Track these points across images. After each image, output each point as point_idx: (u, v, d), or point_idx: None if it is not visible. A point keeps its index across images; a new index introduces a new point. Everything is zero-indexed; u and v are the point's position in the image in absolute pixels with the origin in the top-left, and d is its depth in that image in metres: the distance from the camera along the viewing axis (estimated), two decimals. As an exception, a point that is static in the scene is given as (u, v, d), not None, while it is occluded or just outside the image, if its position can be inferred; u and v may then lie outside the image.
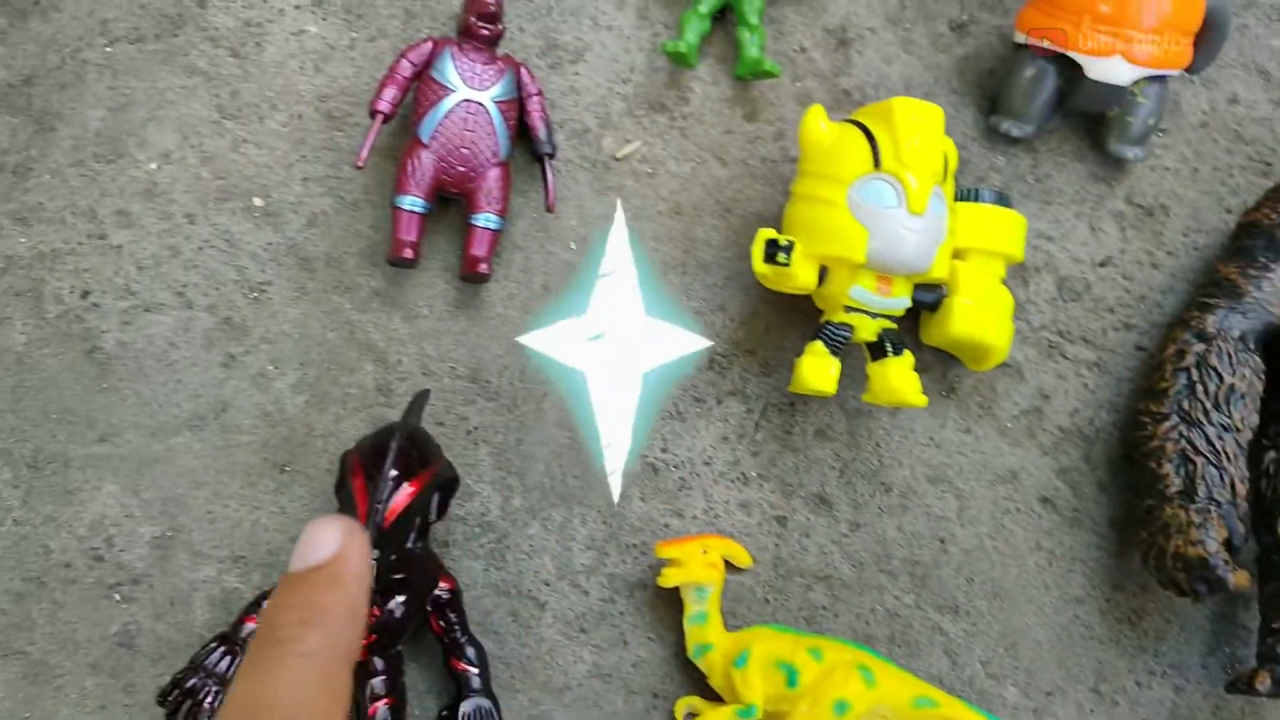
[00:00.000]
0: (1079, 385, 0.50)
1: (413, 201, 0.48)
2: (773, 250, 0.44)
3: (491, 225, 0.49)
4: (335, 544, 0.27)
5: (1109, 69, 0.48)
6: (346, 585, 0.27)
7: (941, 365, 0.50)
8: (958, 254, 0.48)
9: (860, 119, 0.46)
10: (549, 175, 0.49)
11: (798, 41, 0.53)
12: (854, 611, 0.49)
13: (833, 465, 0.49)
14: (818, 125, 0.46)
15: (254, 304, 0.49)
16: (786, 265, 0.44)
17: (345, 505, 0.42)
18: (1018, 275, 0.51)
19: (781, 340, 0.50)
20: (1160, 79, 0.49)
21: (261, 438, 0.48)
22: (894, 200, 0.44)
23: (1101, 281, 0.51)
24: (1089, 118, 0.51)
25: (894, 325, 0.47)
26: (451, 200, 0.50)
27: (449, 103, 0.48)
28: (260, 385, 0.49)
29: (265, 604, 0.28)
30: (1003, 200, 0.49)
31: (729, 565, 0.48)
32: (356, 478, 0.42)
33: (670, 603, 0.47)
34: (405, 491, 0.42)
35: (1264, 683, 0.42)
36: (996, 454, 0.50)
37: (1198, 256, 0.51)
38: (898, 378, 0.46)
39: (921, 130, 0.45)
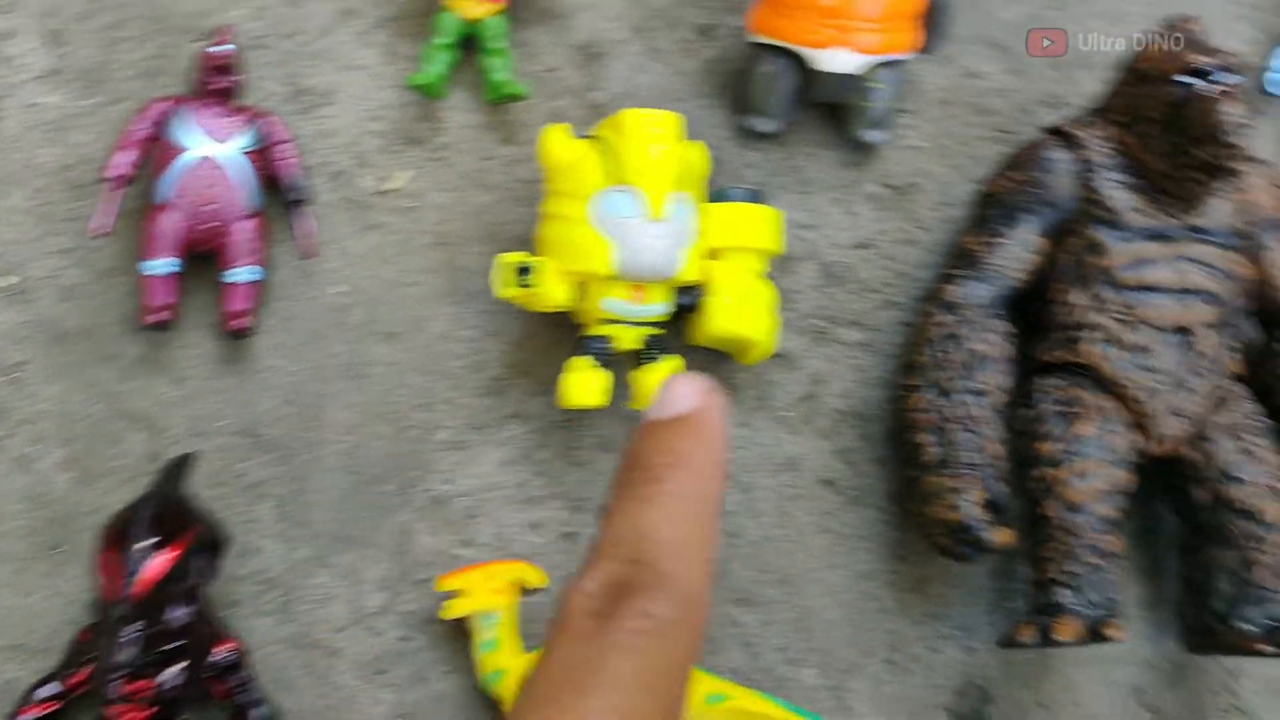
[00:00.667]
0: (850, 367, 0.52)
1: (161, 264, 0.47)
2: (517, 272, 0.45)
3: (248, 278, 0.48)
4: (696, 400, 0.27)
5: (836, 60, 0.49)
6: (709, 438, 0.27)
7: (715, 364, 0.51)
8: (714, 254, 0.49)
9: (599, 133, 0.47)
10: (303, 221, 0.49)
11: (547, 61, 0.54)
12: (652, 616, 0.49)
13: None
14: (557, 144, 0.46)
15: (10, 386, 0.48)
16: (530, 287, 0.45)
17: (99, 580, 0.42)
18: (782, 266, 0.52)
19: (558, 358, 0.50)
20: (893, 63, 0.51)
21: (28, 522, 0.47)
22: (634, 210, 0.45)
23: (863, 263, 0.53)
24: (833, 107, 0.53)
25: (660, 331, 0.48)
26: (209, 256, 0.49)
27: (187, 160, 0.47)
28: (23, 468, 0.48)
29: (625, 451, 0.27)
30: (755, 197, 0.50)
31: (524, 588, 0.48)
32: (106, 551, 0.41)
33: (469, 633, 0.47)
34: (162, 559, 0.41)
35: (1028, 634, 0.44)
36: (776, 444, 0.51)
37: (950, 229, 0.53)
38: (657, 383, 0.46)
39: (655, 139, 0.46)
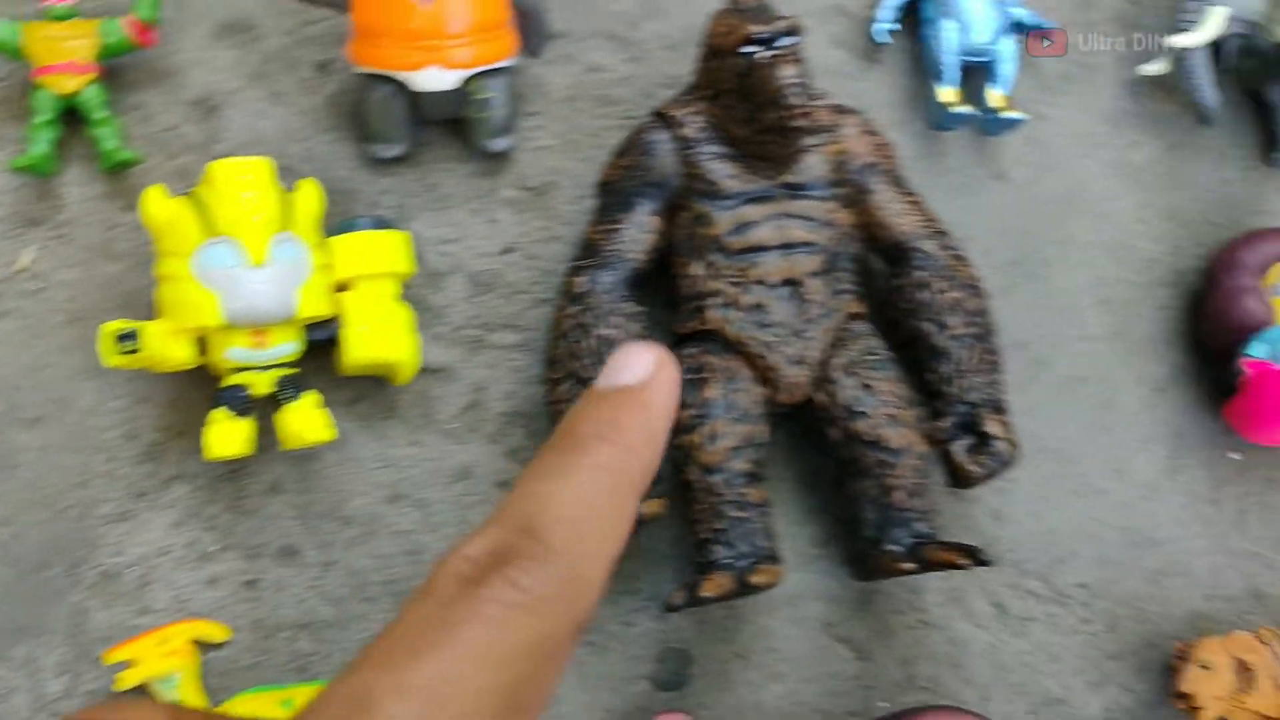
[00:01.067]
0: (509, 369, 0.53)
1: None
2: (118, 340, 0.45)
3: None
4: (646, 370, 0.26)
5: (431, 79, 0.51)
6: (650, 411, 0.26)
7: (376, 389, 0.52)
8: (344, 286, 0.49)
9: (195, 190, 0.47)
10: (-82, 322, 0.48)
11: (164, 120, 0.54)
12: (343, 648, 0.50)
13: (291, 516, 0.50)
14: (153, 206, 0.46)
15: None
16: (136, 352, 0.45)
17: None
18: (431, 284, 0.53)
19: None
20: (498, 71, 0.52)
21: None
22: (235, 258, 0.45)
23: (510, 267, 0.54)
24: (455, 121, 0.54)
25: (293, 370, 0.48)
26: None
27: None
28: None
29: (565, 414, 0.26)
30: (381, 224, 0.51)
31: (207, 644, 0.48)
32: None
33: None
34: None
35: (678, 598, 0.46)
36: (446, 456, 0.52)
37: (589, 220, 0.55)
38: (296, 422, 0.47)
39: (245, 186, 0.46)
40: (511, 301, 0.54)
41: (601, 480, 0.25)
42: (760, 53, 0.47)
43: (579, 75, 0.57)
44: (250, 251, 0.45)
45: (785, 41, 0.48)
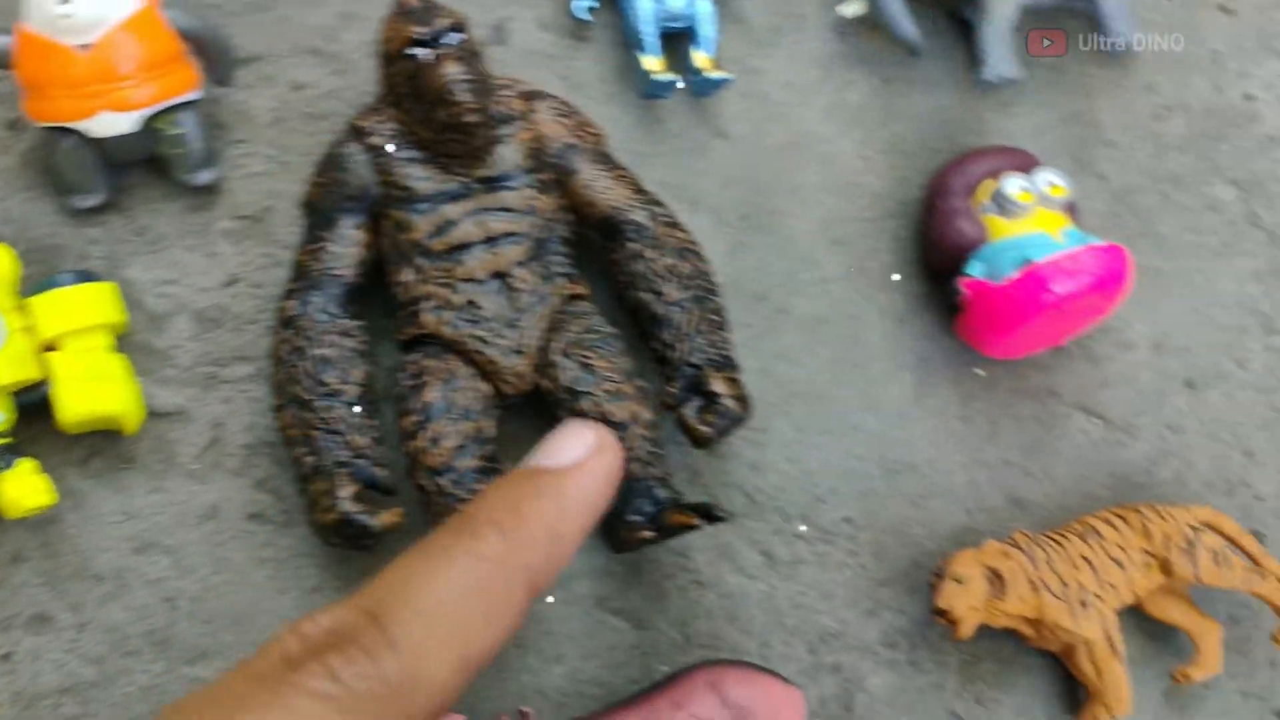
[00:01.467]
0: (247, 401, 0.53)
1: None
2: None
3: None
4: (577, 454, 0.24)
5: (106, 124, 0.50)
6: (563, 501, 0.24)
7: (109, 443, 0.51)
8: (51, 346, 0.49)
9: None
10: None
11: None
12: (111, 704, 0.49)
13: (38, 582, 0.50)
14: None
15: None
16: None
17: None
18: (153, 328, 0.53)
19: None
20: (185, 104, 0.52)
21: None
22: (-88, 337, 0.44)
23: (234, 299, 0.54)
24: (154, 161, 0.53)
25: (7, 439, 0.47)
26: None
27: None
28: None
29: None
30: (85, 277, 0.50)
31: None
32: None
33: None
34: None
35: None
36: (191, 497, 0.52)
37: (298, 243, 0.55)
38: (13, 490, 0.47)
39: (-88, 262, 0.45)
40: (241, 333, 0.54)
41: (480, 572, 0.23)
42: (424, 53, 0.47)
43: (283, 95, 0.57)
44: (-72, 328, 0.44)
45: (448, 39, 0.48)
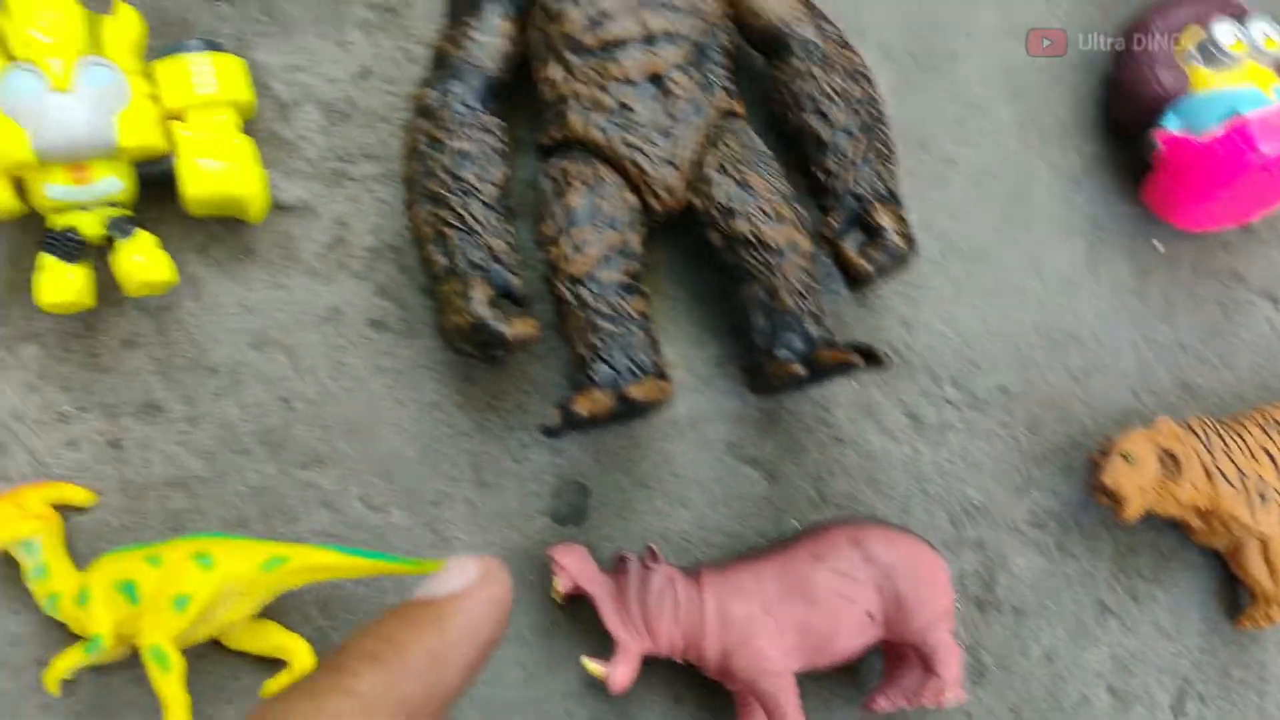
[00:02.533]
0: (374, 202, 0.50)
1: None
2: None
3: None
4: (461, 584, 0.24)
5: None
6: (444, 631, 0.23)
7: (230, 231, 0.49)
8: (174, 116, 0.46)
9: (-7, 14, 0.43)
10: None
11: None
12: (220, 502, 0.47)
13: (151, 370, 0.48)
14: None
15: None
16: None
17: None
18: (279, 116, 0.50)
19: (57, 267, 0.47)
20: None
21: None
22: (38, 85, 0.42)
23: (365, 94, 0.50)
24: (293, -62, 0.50)
25: (125, 211, 0.45)
26: None
27: None
28: None
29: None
30: (212, 47, 0.47)
31: (71, 508, 0.46)
32: None
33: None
34: None
35: (554, 419, 0.43)
36: (313, 297, 0.49)
37: (438, 30, 0.51)
38: (129, 262, 0.44)
39: (41, 5, 0.42)
40: (371, 130, 0.50)
41: (353, 709, 0.22)
42: None
43: (430, -118, 0.52)
44: (53, 77, 0.41)
45: None
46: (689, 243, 0.49)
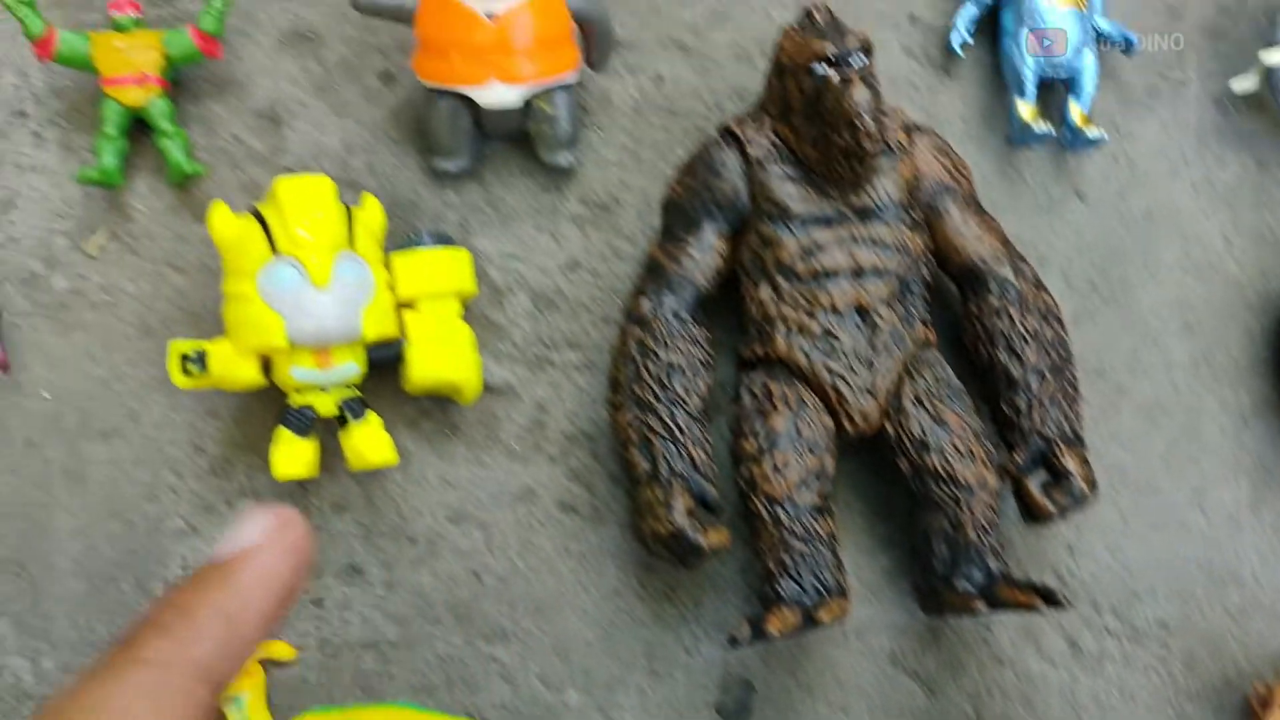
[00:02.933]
0: (573, 389, 0.52)
1: None
2: (185, 362, 0.45)
3: (-59, 403, 0.48)
4: (252, 538, 0.24)
5: (496, 95, 0.50)
6: (236, 589, 0.23)
7: (439, 408, 0.52)
8: (407, 304, 0.49)
9: (259, 207, 0.47)
10: (-7, 337, 0.49)
11: (229, 131, 0.53)
12: (409, 668, 0.50)
13: (356, 534, 0.50)
14: (220, 222, 0.46)
15: None
16: (203, 373, 0.45)
17: None
18: (493, 301, 0.53)
19: (278, 428, 0.51)
20: (561, 86, 0.51)
21: None
22: (298, 279, 0.45)
23: (573, 285, 0.54)
24: (520, 135, 0.53)
25: (355, 392, 0.48)
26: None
27: None
28: None
29: None
30: (443, 240, 0.50)
31: (270, 663, 0.48)
32: None
33: None
34: None
35: (743, 633, 0.45)
36: (510, 476, 0.52)
37: (654, 238, 0.54)
38: (362, 442, 0.47)
39: (309, 204, 0.46)
40: (575, 319, 0.53)
41: (148, 677, 0.22)
42: (831, 73, 0.46)
43: (644, 86, 0.56)
44: (313, 272, 0.45)
45: (857, 61, 0.46)
46: (871, 458, 0.51)
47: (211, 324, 0.51)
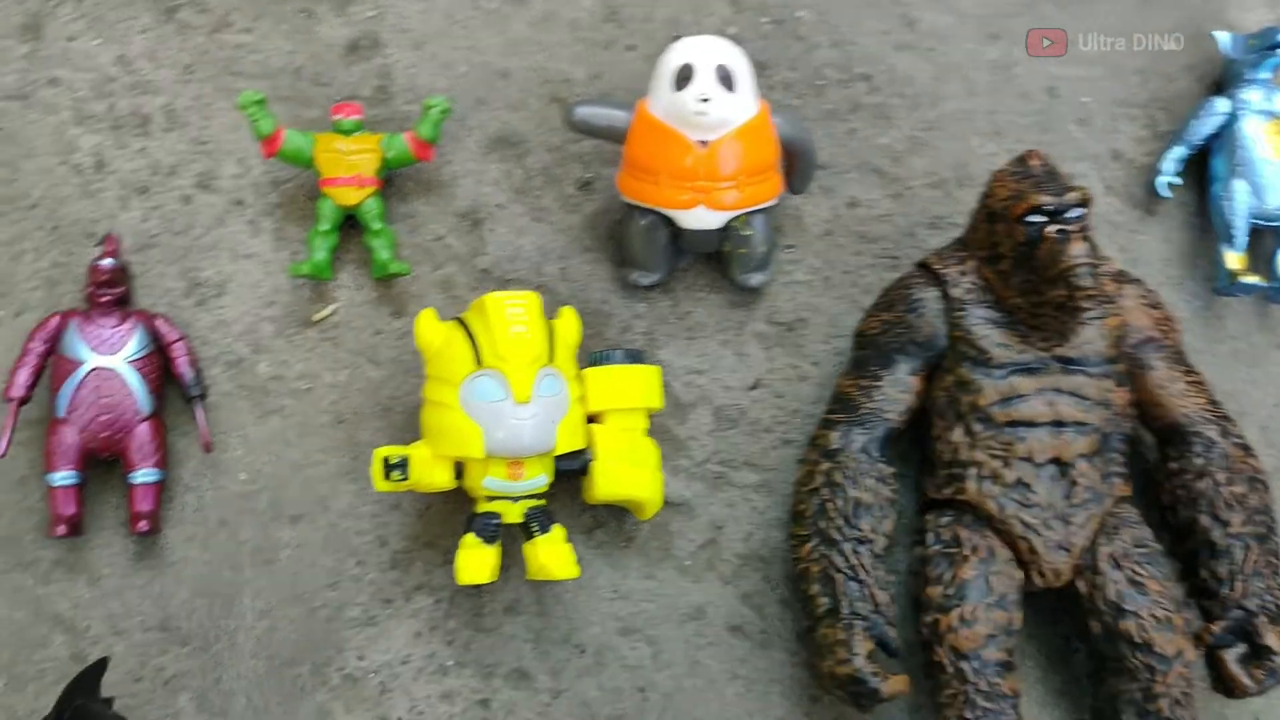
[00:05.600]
0: (749, 510, 0.52)
1: (63, 477, 0.49)
2: (388, 469, 0.46)
3: (149, 479, 0.50)
4: None
5: (698, 219, 0.50)
6: None
7: (616, 518, 0.52)
8: (596, 418, 0.50)
9: (465, 317, 0.48)
10: (201, 419, 0.51)
11: (433, 231, 0.55)
12: (567, 778, 0.50)
13: (526, 638, 0.51)
14: (426, 329, 0.48)
15: (-65, 601, 0.50)
16: (404, 480, 0.46)
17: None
18: (676, 414, 0.53)
19: (458, 528, 0.52)
20: (760, 210, 0.52)
21: (-40, 734, 0.49)
22: (500, 393, 0.46)
23: (755, 404, 0.54)
24: (713, 254, 0.54)
25: (541, 502, 0.49)
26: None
27: (79, 374, 0.49)
28: (-48, 681, 0.50)
29: None
30: (633, 357, 0.51)
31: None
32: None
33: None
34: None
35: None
36: (681, 593, 0.52)
37: (840, 362, 0.54)
38: (547, 556, 0.48)
39: (515, 321, 0.47)
40: (754, 439, 0.53)
41: None
42: (1048, 225, 0.45)
43: (838, 209, 0.56)
44: (515, 387, 0.46)
45: (1075, 214, 0.45)
46: (1054, 611, 0.49)
47: (401, 418, 0.53)
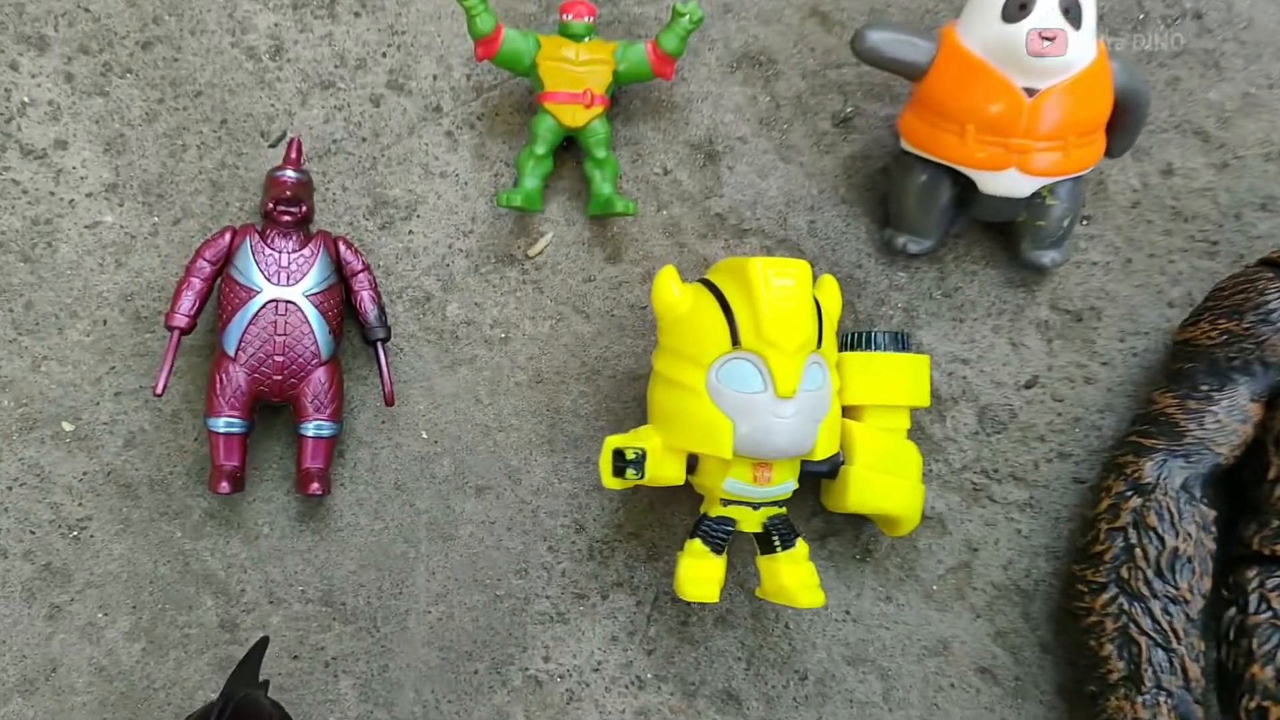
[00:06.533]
0: (1011, 531, 0.44)
1: (227, 423, 0.42)
2: (621, 464, 0.38)
3: (324, 433, 0.43)
4: None
5: (1005, 183, 0.41)
6: None
7: (853, 527, 0.44)
8: (852, 412, 0.41)
9: (716, 279, 0.39)
10: (384, 365, 0.43)
11: (659, 162, 0.46)
12: (775, 821, 0.43)
13: (738, 656, 0.44)
14: (670, 290, 0.39)
15: (74, 544, 0.44)
16: (640, 477, 0.38)
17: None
18: (934, 410, 0.45)
19: (669, 518, 0.44)
20: (1074, 177, 0.42)
21: (98, 696, 0.44)
22: (759, 384, 0.38)
23: (1028, 406, 0.45)
24: (1005, 223, 0.44)
25: (782, 510, 0.41)
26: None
27: (254, 305, 0.42)
28: (91, 637, 0.44)
29: None
30: (899, 342, 0.42)
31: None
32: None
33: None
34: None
35: None
36: (923, 622, 0.44)
37: (1138, 365, 0.45)
38: (789, 576, 0.40)
39: (784, 295, 0.38)
40: (1025, 448, 0.45)
41: None
42: None
43: (1149, 177, 0.46)
44: (778, 378, 0.37)
45: None
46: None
47: (610, 384, 0.45)
